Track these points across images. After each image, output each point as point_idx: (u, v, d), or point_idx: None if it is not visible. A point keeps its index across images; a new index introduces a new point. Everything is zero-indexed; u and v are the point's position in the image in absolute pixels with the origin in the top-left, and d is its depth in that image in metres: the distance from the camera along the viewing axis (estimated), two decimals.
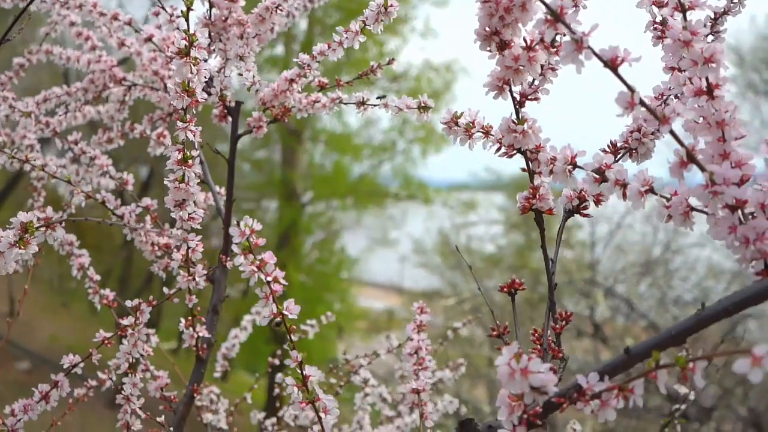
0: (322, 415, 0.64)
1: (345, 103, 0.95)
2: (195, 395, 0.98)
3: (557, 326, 0.61)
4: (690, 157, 0.51)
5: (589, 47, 0.49)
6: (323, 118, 12.18)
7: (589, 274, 5.78)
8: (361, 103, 0.93)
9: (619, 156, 0.68)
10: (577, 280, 5.79)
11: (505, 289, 0.65)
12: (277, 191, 10.94)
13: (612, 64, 0.50)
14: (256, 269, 0.61)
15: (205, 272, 0.90)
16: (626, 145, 0.68)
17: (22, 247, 0.67)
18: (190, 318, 0.95)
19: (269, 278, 0.62)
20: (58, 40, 1.32)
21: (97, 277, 1.10)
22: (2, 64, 1.44)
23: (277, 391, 1.34)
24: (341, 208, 12.17)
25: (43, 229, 0.64)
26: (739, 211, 0.53)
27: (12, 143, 1.28)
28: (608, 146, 0.68)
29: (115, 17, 1.09)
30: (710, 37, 0.71)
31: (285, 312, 0.62)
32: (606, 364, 0.52)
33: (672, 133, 0.51)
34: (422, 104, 0.83)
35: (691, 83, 0.54)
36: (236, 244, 0.61)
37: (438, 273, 10.20)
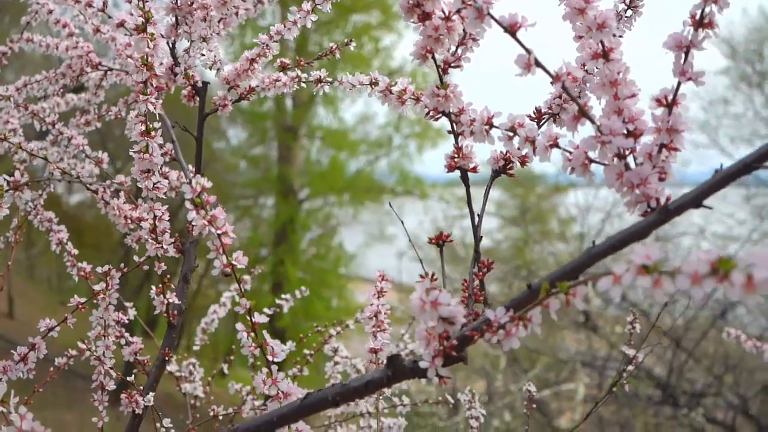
0: (270, 357, 0.70)
1: (304, 82, 1.01)
2: (166, 359, 1.04)
3: (480, 273, 0.67)
4: (582, 112, 0.57)
5: (489, 14, 0.55)
6: (319, 115, 12.23)
7: None
8: (318, 81, 0.99)
9: (543, 120, 0.74)
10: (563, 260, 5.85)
11: (433, 241, 0.71)
12: (274, 188, 11.00)
13: (511, 29, 0.56)
14: (207, 223, 0.67)
15: (172, 240, 0.96)
16: (549, 111, 0.74)
17: None
18: (160, 285, 1.01)
19: (219, 232, 0.68)
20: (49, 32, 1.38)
21: (75, 252, 1.16)
22: None
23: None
24: (338, 204, 12.23)
25: (11, 191, 0.70)
26: (631, 160, 0.59)
27: None
28: (533, 112, 0.74)
29: (89, 4, 1.15)
30: (629, 12, 0.77)
31: (234, 262, 0.69)
32: (512, 299, 0.58)
33: (565, 90, 0.57)
34: (373, 80, 0.89)
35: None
36: (188, 200, 0.67)
37: (435, 267, 10.24)
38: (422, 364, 0.60)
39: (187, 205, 0.68)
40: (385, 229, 12.53)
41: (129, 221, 1.07)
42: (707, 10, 0.56)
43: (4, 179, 0.70)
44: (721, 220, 8.12)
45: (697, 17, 0.57)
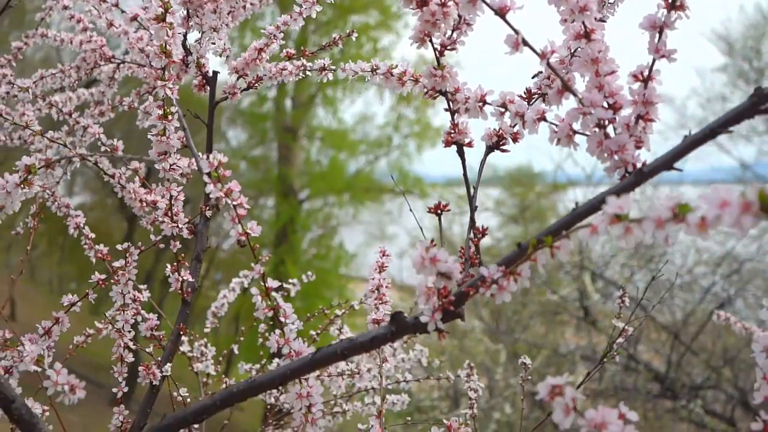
0: (282, 319, 0.76)
1: (309, 70, 1.07)
2: (181, 333, 1.10)
3: (476, 239, 0.73)
4: (565, 87, 0.63)
5: None
6: (319, 115, 12.30)
7: (577, 257, 5.90)
8: (323, 69, 1.05)
9: (534, 100, 0.80)
10: (566, 265, 5.92)
11: (431, 211, 0.77)
12: (274, 188, 11.05)
13: (501, 11, 0.62)
14: (224, 195, 0.73)
15: (186, 220, 1.02)
16: (539, 91, 0.80)
17: (26, 186, 0.79)
18: (175, 264, 1.07)
19: (235, 203, 0.73)
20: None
21: (92, 235, 1.22)
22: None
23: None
24: (338, 204, 12.28)
25: (44, 169, 0.76)
26: (611, 130, 0.65)
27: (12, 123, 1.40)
28: (524, 92, 0.80)
29: (103, 0, 1.21)
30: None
31: (249, 231, 0.74)
32: (503, 258, 0.64)
33: (550, 66, 0.63)
34: (374, 66, 0.95)
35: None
36: (207, 174, 0.72)
37: None
38: (423, 319, 0.65)
39: (205, 178, 0.74)
40: (385, 229, 12.57)
41: (144, 204, 1.12)
42: None
43: (36, 158, 0.76)
44: None
45: (670, 0, 0.63)
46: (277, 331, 0.76)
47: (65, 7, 1.30)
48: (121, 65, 1.30)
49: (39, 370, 0.74)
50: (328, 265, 11.28)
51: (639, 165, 0.62)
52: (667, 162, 0.59)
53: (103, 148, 1.21)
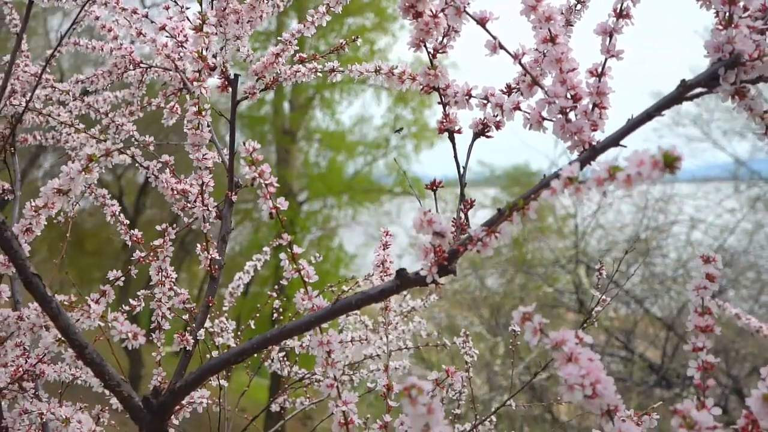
0: (306, 279, 0.91)
1: (320, 72, 1.22)
2: (210, 304, 1.25)
3: (465, 209, 0.88)
4: (534, 82, 0.78)
5: (465, 11, 0.77)
6: (317, 117, 12.44)
7: (572, 251, 6.07)
8: (332, 70, 1.21)
9: (513, 93, 0.95)
10: (561, 258, 6.08)
11: (428, 187, 0.93)
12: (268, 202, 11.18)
13: (482, 22, 0.77)
14: (258, 175, 0.88)
15: (216, 204, 1.17)
16: (517, 86, 0.95)
17: (87, 173, 0.94)
18: (204, 243, 1.22)
19: (266, 182, 0.89)
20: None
21: (127, 222, 1.37)
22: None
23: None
24: (337, 205, 12.41)
25: (104, 157, 0.91)
26: (572, 116, 0.80)
27: (47, 123, 1.55)
28: (505, 87, 0.95)
29: (134, 11, 1.36)
30: (578, 6, 0.98)
31: (278, 205, 0.90)
32: (486, 220, 0.79)
33: (521, 65, 0.78)
34: (377, 67, 1.10)
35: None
36: (243, 157, 0.88)
37: None
38: (422, 272, 0.80)
39: (242, 161, 0.89)
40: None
41: (174, 192, 1.27)
42: (624, 4, 0.78)
43: (98, 147, 0.91)
44: (714, 212, 8.36)
45: (618, 10, 0.78)
46: (301, 290, 0.91)
47: (97, 18, 1.45)
48: (148, 69, 1.45)
49: (102, 324, 0.89)
50: (328, 267, 11.41)
51: (594, 143, 0.77)
52: (615, 140, 0.74)
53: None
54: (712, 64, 0.71)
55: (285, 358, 1.76)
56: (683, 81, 0.72)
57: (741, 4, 0.70)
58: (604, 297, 1.36)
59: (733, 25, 0.70)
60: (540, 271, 7.51)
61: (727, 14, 0.70)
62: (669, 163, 0.55)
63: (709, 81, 0.70)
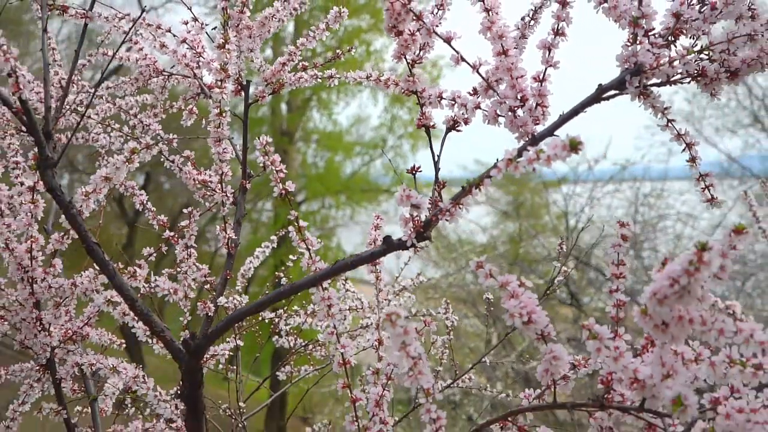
0: (309, 247, 1.12)
1: (321, 78, 1.44)
2: (228, 278, 1.47)
3: (438, 188, 1.10)
4: (489, 86, 0.99)
5: (434, 32, 0.98)
6: (314, 118, 12.64)
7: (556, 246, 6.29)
8: (331, 77, 1.42)
9: (476, 96, 1.16)
10: (552, 251, 6.30)
11: (408, 172, 1.14)
12: (271, 192, 11.39)
13: (447, 40, 0.99)
14: (270, 163, 1.09)
15: (233, 191, 1.38)
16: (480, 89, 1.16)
17: (130, 162, 1.15)
18: (222, 224, 1.44)
19: (277, 168, 1.10)
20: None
21: (154, 209, 1.58)
22: None
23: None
24: (335, 205, 12.61)
25: (145, 150, 1.12)
26: (520, 112, 1.01)
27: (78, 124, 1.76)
28: (471, 89, 1.17)
29: (158, 27, 1.57)
30: (532, 22, 1.19)
31: (287, 187, 1.11)
32: (454, 195, 1.00)
33: (479, 73, 0.99)
34: (368, 75, 1.32)
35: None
36: (258, 149, 1.09)
37: (433, 264, 10.66)
38: (403, 238, 1.02)
39: (258, 152, 1.10)
40: (381, 229, 12.82)
41: (196, 182, 1.49)
42: (560, 25, 1.00)
43: (138, 141, 1.12)
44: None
45: (555, 29, 1.00)
46: (307, 254, 1.12)
47: (125, 32, 1.66)
48: (170, 77, 1.67)
49: (147, 287, 1.10)
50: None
51: (535, 134, 0.99)
52: (550, 131, 0.96)
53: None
54: (621, 72, 0.92)
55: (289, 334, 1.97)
56: (600, 85, 0.93)
57: (643, 27, 0.92)
58: (565, 269, 1.57)
59: (637, 42, 0.91)
60: (533, 267, 7.74)
61: (632, 34, 0.91)
62: (573, 146, 0.76)
63: (618, 85, 0.92)
